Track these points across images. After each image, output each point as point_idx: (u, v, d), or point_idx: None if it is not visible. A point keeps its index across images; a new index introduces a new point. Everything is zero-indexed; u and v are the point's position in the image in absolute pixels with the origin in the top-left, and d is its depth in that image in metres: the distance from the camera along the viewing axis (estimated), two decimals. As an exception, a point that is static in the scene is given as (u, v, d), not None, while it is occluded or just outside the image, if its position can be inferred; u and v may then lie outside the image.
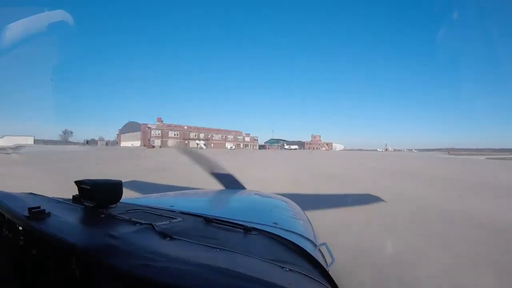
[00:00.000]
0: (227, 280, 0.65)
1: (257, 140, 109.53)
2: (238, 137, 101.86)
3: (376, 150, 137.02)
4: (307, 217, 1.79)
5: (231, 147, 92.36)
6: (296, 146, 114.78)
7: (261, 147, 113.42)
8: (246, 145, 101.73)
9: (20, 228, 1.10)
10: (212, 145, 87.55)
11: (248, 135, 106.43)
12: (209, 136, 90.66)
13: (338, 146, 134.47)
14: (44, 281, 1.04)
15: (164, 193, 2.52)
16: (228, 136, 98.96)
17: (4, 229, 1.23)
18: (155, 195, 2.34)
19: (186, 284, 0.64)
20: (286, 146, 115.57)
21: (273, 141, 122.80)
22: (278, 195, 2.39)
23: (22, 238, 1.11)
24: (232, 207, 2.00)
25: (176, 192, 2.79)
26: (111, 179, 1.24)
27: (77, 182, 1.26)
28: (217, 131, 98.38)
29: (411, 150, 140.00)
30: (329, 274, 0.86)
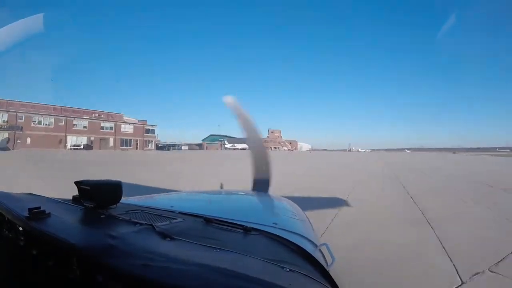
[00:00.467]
0: (227, 280, 0.66)
1: (153, 131, 58.97)
2: (104, 125, 51.93)
3: (358, 150, 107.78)
4: (307, 217, 1.81)
5: (74, 146, 46.36)
6: (244, 145, 67.55)
7: (199, 146, 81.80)
8: (125, 141, 53.67)
9: (20, 228, 1.09)
10: (28, 140, 42.25)
11: (145, 123, 57.11)
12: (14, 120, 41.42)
13: (304, 146, 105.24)
14: (44, 281, 1.03)
15: (164, 193, 2.51)
16: (75, 122, 48.71)
17: (4, 230, 1.21)
18: (155, 195, 2.31)
19: (186, 284, 0.64)
20: (229, 145, 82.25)
21: (214, 138, 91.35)
22: (278, 196, 2.40)
23: (22, 238, 1.10)
24: (232, 207, 1.99)
25: (176, 192, 2.76)
26: (111, 180, 1.24)
27: (77, 183, 1.25)
28: (51, 110, 47.54)
29: (403, 149, 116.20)
30: (329, 275, 0.86)
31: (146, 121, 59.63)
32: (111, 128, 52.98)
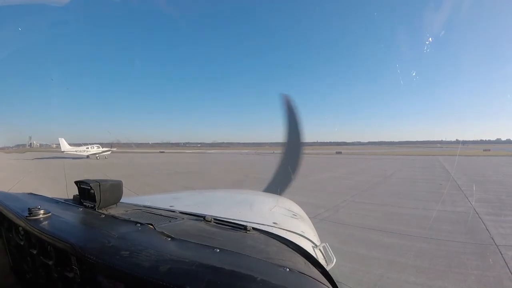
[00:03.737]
0: (226, 280, 0.66)
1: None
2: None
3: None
4: (307, 217, 1.79)
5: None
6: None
7: None
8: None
9: (20, 228, 1.09)
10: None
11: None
12: None
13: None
14: (44, 281, 1.03)
15: (164, 193, 2.54)
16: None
17: (4, 229, 1.21)
18: (155, 195, 2.34)
19: (186, 284, 0.64)
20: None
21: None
22: (278, 195, 2.38)
23: (22, 238, 1.10)
24: (232, 207, 1.99)
25: (176, 192, 2.77)
26: (111, 179, 1.25)
27: (77, 182, 1.26)
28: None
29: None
30: (329, 274, 0.86)
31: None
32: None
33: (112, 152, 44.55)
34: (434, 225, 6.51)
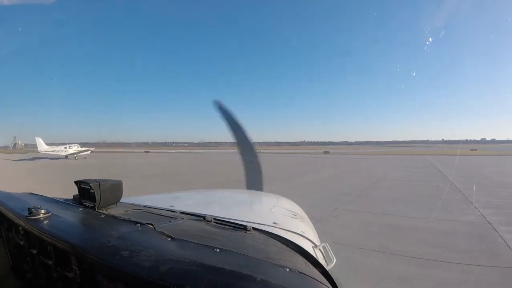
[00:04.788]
0: (226, 280, 0.65)
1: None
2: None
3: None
4: (307, 217, 1.81)
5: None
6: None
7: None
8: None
9: (20, 228, 1.09)
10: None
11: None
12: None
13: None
14: (44, 281, 1.02)
15: (164, 193, 2.55)
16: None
17: (4, 229, 1.22)
18: (155, 195, 2.32)
19: (186, 284, 0.64)
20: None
21: None
22: (278, 195, 2.33)
23: (22, 238, 1.10)
24: (232, 207, 1.98)
25: (176, 192, 2.72)
26: (111, 179, 1.24)
27: (77, 182, 1.26)
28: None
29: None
30: (329, 274, 0.86)
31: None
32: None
33: (92, 152, 42.40)
34: (446, 241, 5.44)
